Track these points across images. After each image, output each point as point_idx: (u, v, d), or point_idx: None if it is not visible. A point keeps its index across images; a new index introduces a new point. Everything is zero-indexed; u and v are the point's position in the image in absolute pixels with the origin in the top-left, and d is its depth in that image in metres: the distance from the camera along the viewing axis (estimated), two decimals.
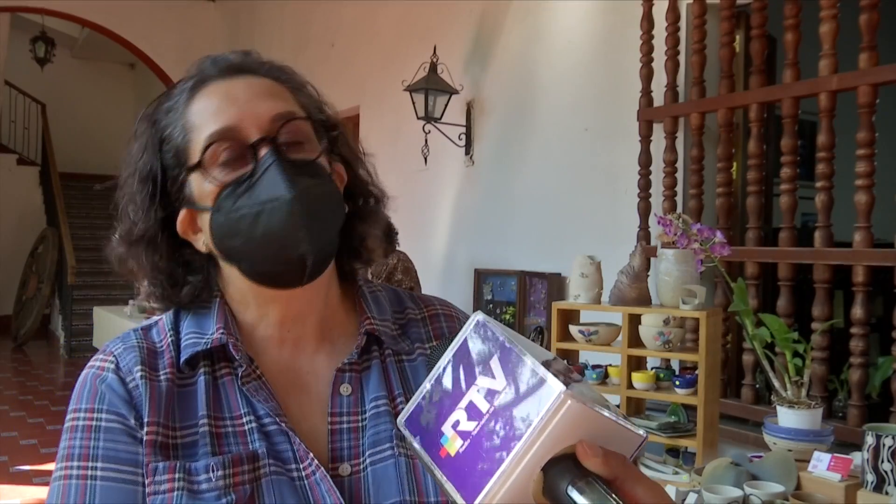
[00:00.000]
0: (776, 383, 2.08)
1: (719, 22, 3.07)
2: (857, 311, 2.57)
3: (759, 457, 2.04)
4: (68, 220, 9.39)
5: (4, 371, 7.88)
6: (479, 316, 0.60)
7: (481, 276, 4.42)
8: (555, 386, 0.52)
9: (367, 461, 0.79)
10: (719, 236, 2.15)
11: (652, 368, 2.57)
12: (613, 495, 0.52)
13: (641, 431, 0.56)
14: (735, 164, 3.19)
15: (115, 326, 5.87)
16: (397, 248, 3.49)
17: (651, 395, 2.44)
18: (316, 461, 0.77)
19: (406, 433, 0.61)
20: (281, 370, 0.83)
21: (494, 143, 4.49)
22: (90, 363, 0.82)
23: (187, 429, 0.78)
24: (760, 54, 2.94)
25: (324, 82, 0.95)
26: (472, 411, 0.56)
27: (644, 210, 3.33)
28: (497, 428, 0.54)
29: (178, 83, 0.86)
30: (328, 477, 0.76)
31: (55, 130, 10.83)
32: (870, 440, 1.78)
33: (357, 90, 5.67)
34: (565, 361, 0.58)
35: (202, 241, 0.83)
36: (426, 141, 4.77)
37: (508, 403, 0.54)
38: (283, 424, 0.78)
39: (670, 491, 1.95)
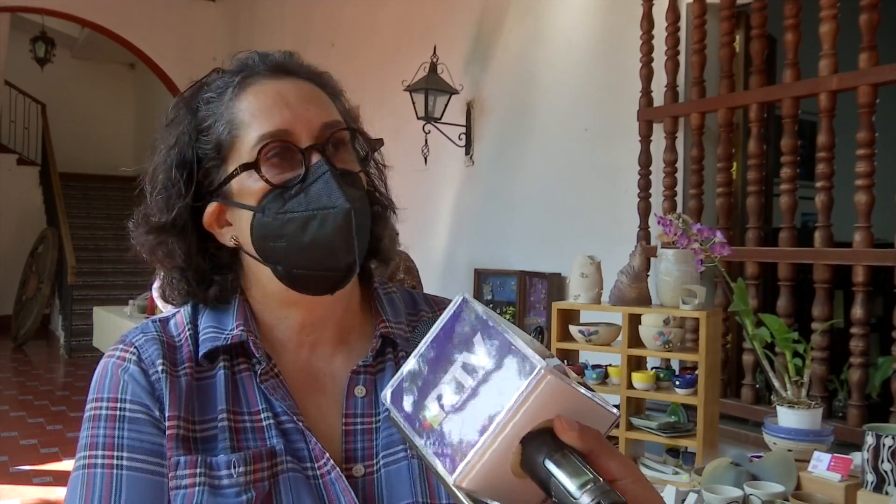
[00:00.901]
0: (776, 383, 2.08)
1: (719, 22, 3.07)
2: (857, 311, 2.57)
3: (759, 457, 2.04)
4: (68, 220, 9.39)
5: (4, 371, 7.88)
6: (463, 296, 0.62)
7: (481, 276, 4.42)
8: (536, 362, 0.54)
9: (381, 462, 0.80)
10: (719, 236, 2.15)
11: (652, 368, 2.57)
12: (588, 467, 0.54)
13: (615, 410, 0.59)
14: (735, 164, 3.19)
15: (115, 326, 5.87)
16: (398, 248, 3.49)
17: (651, 395, 2.44)
18: (332, 461, 0.77)
19: (390, 407, 0.63)
20: (298, 371, 0.83)
21: (494, 143, 4.49)
22: (109, 353, 0.82)
23: (207, 422, 0.78)
24: (760, 54, 2.94)
25: None
26: (455, 386, 0.58)
27: (644, 210, 3.33)
28: (479, 402, 0.56)
29: (218, 73, 0.85)
30: (343, 477, 0.77)
31: (55, 130, 10.83)
32: (870, 440, 1.78)
33: (357, 90, 5.60)
34: (555, 355, 0.59)
35: (229, 236, 0.83)
36: (426, 141, 4.77)
37: (490, 378, 0.56)
38: (300, 423, 0.78)
39: (670, 491, 1.95)
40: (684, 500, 1.91)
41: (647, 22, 3.30)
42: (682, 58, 3.25)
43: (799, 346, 2.01)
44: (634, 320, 2.44)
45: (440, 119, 4.49)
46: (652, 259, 2.92)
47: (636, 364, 2.52)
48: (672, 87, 3.24)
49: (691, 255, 2.25)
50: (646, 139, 3.34)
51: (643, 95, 3.35)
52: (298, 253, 0.78)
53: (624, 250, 2.66)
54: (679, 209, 3.21)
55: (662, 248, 2.46)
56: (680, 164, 3.25)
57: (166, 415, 0.76)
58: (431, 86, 4.40)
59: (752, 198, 2.93)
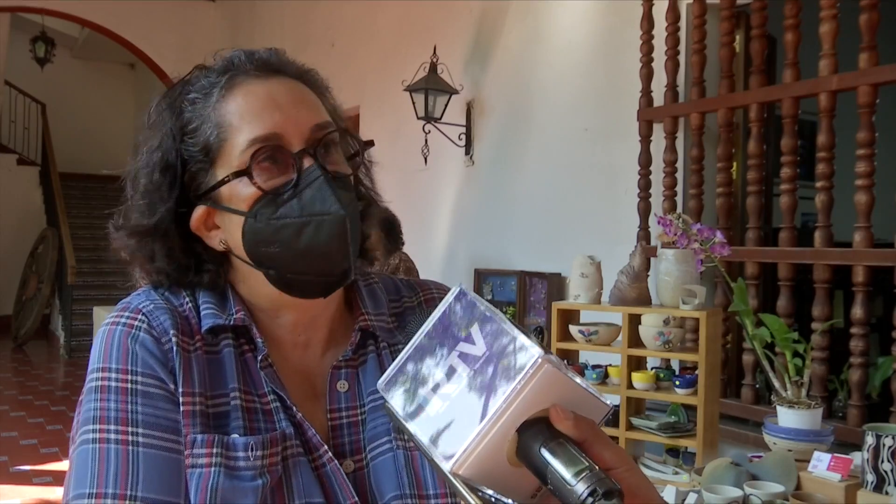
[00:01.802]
0: (776, 383, 2.08)
1: (719, 22, 3.07)
2: (857, 311, 2.57)
3: (759, 457, 2.04)
4: (68, 220, 9.38)
5: (4, 371, 7.88)
6: (460, 286, 0.63)
7: (481, 276, 4.42)
8: (533, 351, 0.55)
9: (369, 457, 0.80)
10: (719, 236, 2.15)
11: (652, 368, 2.57)
12: (584, 456, 0.55)
13: (608, 402, 0.60)
14: (735, 164, 3.19)
15: None
16: (402, 240, 3.48)
17: (651, 395, 2.44)
18: (329, 453, 0.77)
19: (385, 396, 0.63)
20: (289, 369, 0.83)
21: (494, 143, 4.49)
22: (114, 318, 0.78)
23: (220, 397, 0.76)
24: (760, 54, 2.94)
25: None
26: (452, 374, 0.59)
27: (644, 210, 3.33)
28: (475, 390, 0.57)
29: (201, 72, 0.82)
30: (341, 470, 0.77)
31: (55, 130, 10.82)
32: (870, 440, 1.78)
33: (357, 90, 5.66)
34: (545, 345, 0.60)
35: (218, 240, 0.82)
36: (426, 141, 4.77)
37: (487, 367, 0.57)
38: (298, 414, 0.78)
39: (670, 491, 1.95)
40: (684, 500, 1.91)
41: (647, 22, 3.30)
42: (682, 58, 3.25)
43: (799, 346, 2.01)
44: (634, 320, 2.44)
45: (440, 119, 4.49)
46: (652, 259, 2.92)
47: (636, 364, 2.52)
48: (672, 87, 3.24)
49: (691, 255, 2.25)
50: (646, 139, 3.34)
51: (643, 95, 3.35)
52: (293, 258, 0.78)
53: (624, 250, 2.67)
54: (679, 209, 3.21)
55: (662, 248, 2.46)
56: (680, 164, 3.25)
57: (180, 389, 0.74)
58: (431, 86, 4.40)
59: (752, 198, 2.93)
